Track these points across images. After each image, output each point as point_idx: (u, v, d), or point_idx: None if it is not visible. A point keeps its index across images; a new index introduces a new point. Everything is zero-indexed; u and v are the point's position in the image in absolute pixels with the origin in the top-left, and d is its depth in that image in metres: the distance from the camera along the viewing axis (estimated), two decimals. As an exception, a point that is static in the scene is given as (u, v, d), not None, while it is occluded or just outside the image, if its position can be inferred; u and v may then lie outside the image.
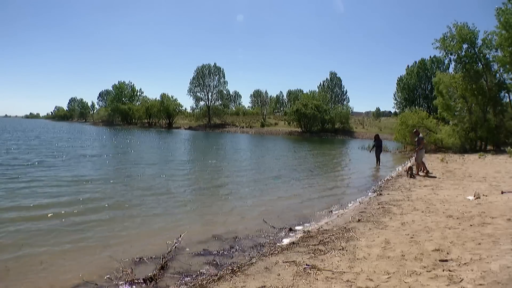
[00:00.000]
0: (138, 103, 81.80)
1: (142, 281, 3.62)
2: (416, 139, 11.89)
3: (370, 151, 15.52)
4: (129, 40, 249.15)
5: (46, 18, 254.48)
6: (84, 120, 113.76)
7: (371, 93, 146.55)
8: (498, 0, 20.62)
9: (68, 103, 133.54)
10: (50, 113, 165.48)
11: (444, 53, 22.41)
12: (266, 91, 78.57)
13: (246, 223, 5.91)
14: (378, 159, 14.85)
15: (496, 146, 21.34)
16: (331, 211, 6.85)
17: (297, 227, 5.71)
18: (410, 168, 11.03)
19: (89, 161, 13.93)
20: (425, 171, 11.38)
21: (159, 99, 72.32)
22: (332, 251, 4.22)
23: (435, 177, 10.67)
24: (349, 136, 49.68)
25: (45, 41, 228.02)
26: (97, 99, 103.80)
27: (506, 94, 22.26)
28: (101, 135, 35.18)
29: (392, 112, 70.28)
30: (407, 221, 5.44)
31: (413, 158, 11.76)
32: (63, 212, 6.24)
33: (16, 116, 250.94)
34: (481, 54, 21.49)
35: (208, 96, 71.25)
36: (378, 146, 14.91)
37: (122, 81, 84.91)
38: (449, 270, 3.31)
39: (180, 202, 7.40)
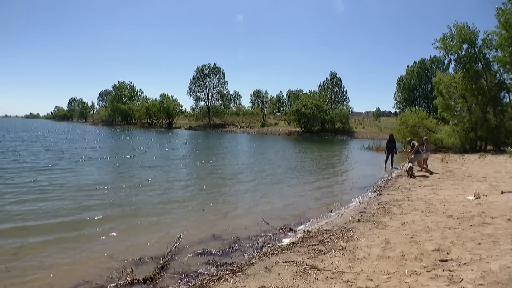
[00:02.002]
0: (138, 103, 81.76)
1: (142, 281, 3.62)
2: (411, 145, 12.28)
3: (385, 153, 15.14)
4: (129, 40, 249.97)
5: (46, 18, 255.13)
6: (84, 120, 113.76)
7: (371, 93, 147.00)
8: (498, 0, 20.60)
9: (68, 103, 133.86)
10: (50, 113, 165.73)
11: (444, 53, 22.42)
12: (266, 91, 78.60)
13: (246, 223, 5.91)
14: (386, 160, 14.68)
15: (496, 146, 21.34)
16: (331, 211, 6.85)
17: (297, 227, 5.71)
18: (410, 168, 11.03)
19: (92, 162, 13.92)
20: (427, 171, 11.63)
21: (159, 99, 72.32)
22: (332, 251, 4.22)
23: (437, 173, 10.76)
24: (349, 136, 49.66)
25: (45, 41, 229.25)
26: (97, 99, 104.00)
27: (506, 94, 22.28)
28: (103, 136, 34.96)
29: (392, 112, 70.35)
30: (407, 221, 5.44)
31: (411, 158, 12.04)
32: (63, 212, 6.24)
33: (16, 116, 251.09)
34: (481, 54, 21.48)
35: (208, 96, 71.33)
36: (390, 148, 14.78)
37: (122, 81, 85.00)
38: (449, 270, 3.30)
39: (180, 202, 7.40)
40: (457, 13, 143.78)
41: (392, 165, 14.42)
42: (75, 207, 6.60)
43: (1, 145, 18.94)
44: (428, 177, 10.79)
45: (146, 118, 75.33)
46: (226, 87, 73.81)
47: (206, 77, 70.64)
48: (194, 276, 3.79)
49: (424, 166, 12.21)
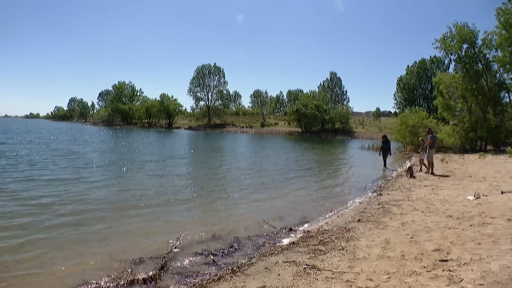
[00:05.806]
0: (138, 103, 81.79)
1: (142, 281, 3.62)
2: (428, 137, 11.86)
3: (379, 154, 14.91)
4: (129, 40, 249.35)
5: (46, 18, 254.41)
6: (84, 120, 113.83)
7: (371, 93, 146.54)
8: (498, 0, 20.62)
9: (68, 103, 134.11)
10: (50, 113, 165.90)
11: (444, 53, 22.45)
12: (266, 91, 78.74)
13: (246, 223, 5.91)
14: (384, 162, 14.53)
15: (496, 146, 21.36)
16: (331, 211, 6.85)
17: (297, 227, 5.71)
18: (410, 168, 11.03)
19: (98, 163, 13.93)
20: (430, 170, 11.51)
21: (159, 99, 72.35)
22: (332, 251, 4.22)
23: (444, 176, 10.77)
24: (349, 136, 49.65)
25: (45, 41, 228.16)
26: (97, 99, 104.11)
27: (506, 94, 22.31)
28: (107, 138, 34.61)
29: (392, 112, 70.37)
30: (407, 221, 5.44)
31: (413, 158, 11.85)
32: (63, 212, 6.24)
33: (16, 116, 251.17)
34: (481, 54, 21.50)
35: (208, 96, 71.38)
36: (386, 149, 14.66)
37: (122, 81, 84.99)
38: (449, 270, 3.31)
39: (180, 202, 7.40)
40: (457, 13, 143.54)
41: (385, 165, 14.37)
42: (75, 207, 6.60)
43: (9, 148, 18.18)
44: (431, 175, 10.78)
45: (146, 118, 75.36)
46: (226, 87, 73.98)
47: (206, 77, 70.69)
48: (194, 276, 3.79)
49: (423, 166, 12.18)
